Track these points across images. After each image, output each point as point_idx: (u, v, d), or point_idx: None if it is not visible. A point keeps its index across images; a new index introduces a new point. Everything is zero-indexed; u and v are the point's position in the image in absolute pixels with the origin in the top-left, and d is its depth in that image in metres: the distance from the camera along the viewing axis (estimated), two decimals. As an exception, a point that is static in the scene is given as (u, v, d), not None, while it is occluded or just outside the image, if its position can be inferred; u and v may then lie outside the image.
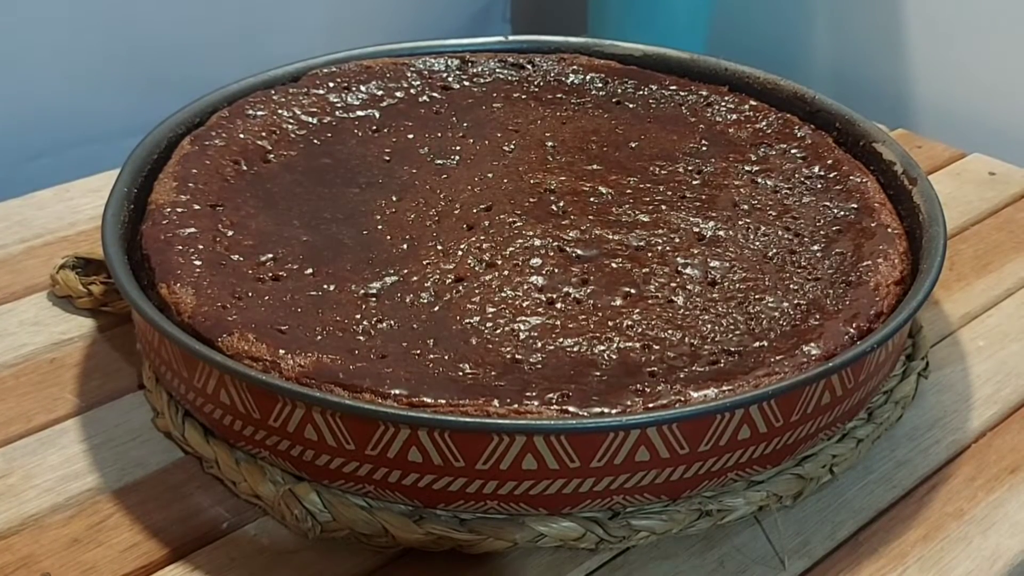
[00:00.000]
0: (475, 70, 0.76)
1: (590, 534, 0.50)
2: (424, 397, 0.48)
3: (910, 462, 0.57)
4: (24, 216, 0.74)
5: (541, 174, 0.66)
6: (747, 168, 0.67)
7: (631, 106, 0.73)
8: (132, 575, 0.50)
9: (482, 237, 0.60)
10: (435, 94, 0.73)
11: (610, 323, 0.54)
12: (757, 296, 0.56)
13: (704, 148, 0.69)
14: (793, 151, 0.68)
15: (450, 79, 0.75)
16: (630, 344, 0.53)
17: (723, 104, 0.73)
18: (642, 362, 0.52)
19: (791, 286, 0.57)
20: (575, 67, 0.76)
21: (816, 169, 0.66)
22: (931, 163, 0.84)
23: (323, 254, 0.58)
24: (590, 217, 0.62)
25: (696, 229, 0.61)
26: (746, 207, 0.63)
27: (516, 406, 0.48)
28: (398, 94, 0.73)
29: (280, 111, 0.69)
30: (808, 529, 0.53)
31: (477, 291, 0.56)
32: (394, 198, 0.63)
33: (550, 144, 0.69)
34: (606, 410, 0.48)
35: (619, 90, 0.75)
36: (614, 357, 0.52)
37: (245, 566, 0.50)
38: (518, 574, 0.50)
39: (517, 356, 0.52)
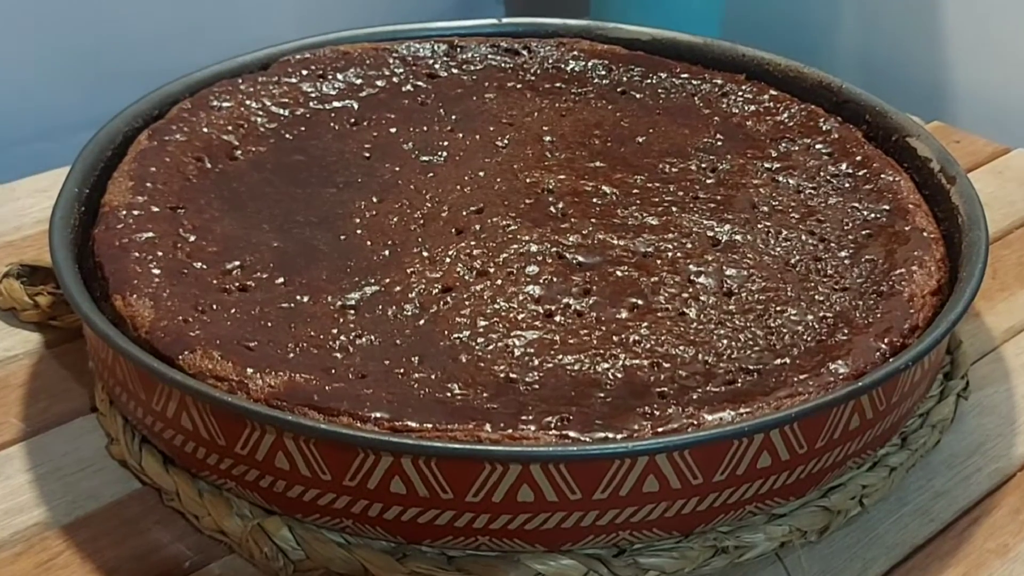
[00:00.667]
0: (465, 56, 0.76)
1: (593, 573, 0.50)
2: (408, 421, 0.48)
3: (949, 492, 0.56)
4: (-36, 219, 0.74)
5: (538, 172, 0.66)
6: (767, 165, 0.67)
7: (638, 96, 0.73)
8: (83, 620, 0.49)
9: (472, 242, 0.60)
10: (420, 83, 0.73)
11: (615, 338, 0.54)
12: (778, 308, 0.56)
13: (719, 143, 0.69)
14: (818, 146, 0.68)
15: (437, 66, 0.75)
16: (637, 362, 0.53)
17: (740, 94, 0.73)
18: (651, 382, 0.52)
19: (816, 297, 0.57)
20: (576, 53, 0.76)
21: (843, 166, 0.66)
22: (971, 160, 0.84)
23: (296, 262, 0.58)
24: (593, 220, 0.62)
25: (710, 233, 0.61)
26: (766, 209, 0.63)
27: (510, 431, 0.48)
28: (379, 83, 0.73)
29: (248, 102, 0.69)
30: (836, 567, 0.52)
31: (467, 303, 0.56)
32: (375, 199, 0.63)
33: (548, 139, 0.69)
34: (611, 435, 0.48)
35: (624, 78, 0.75)
36: (619, 376, 0.52)
37: (209, 610, 0.50)
38: (513, 618, 0.50)
39: (512, 375, 0.52)
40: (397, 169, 0.66)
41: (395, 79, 0.73)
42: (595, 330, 0.55)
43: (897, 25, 1.10)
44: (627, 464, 0.47)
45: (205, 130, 0.66)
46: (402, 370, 0.52)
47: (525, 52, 0.76)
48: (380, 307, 0.56)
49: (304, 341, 0.53)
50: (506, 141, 0.69)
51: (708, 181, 0.65)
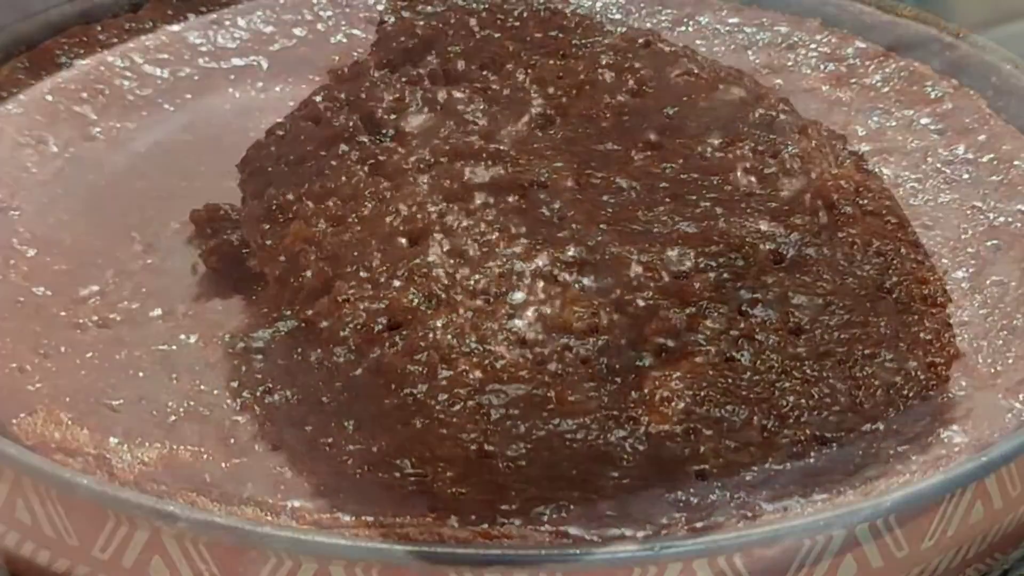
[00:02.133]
0: (420, -8, 0.76)
1: None
2: (339, 513, 0.48)
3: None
4: None
5: (524, 158, 0.66)
6: (851, 148, 0.67)
7: (668, 50, 0.74)
8: None
9: (431, 257, 0.60)
10: (356, 31, 0.74)
11: (634, 394, 0.54)
12: (867, 351, 0.56)
13: (783, 116, 0.69)
14: (924, 121, 0.69)
15: (380, 6, 0.75)
16: (666, 427, 0.53)
17: (813, 47, 0.74)
18: (686, 456, 0.52)
19: (921, 335, 0.57)
20: (579, -12, 0.77)
21: (961, 150, 0.67)
22: None
23: (178, 286, 0.58)
24: (603, 226, 0.62)
25: (770, 245, 0.61)
26: (849, 210, 0.64)
27: (485, 525, 0.48)
28: (297, 31, 0.73)
29: (110, 59, 0.69)
30: None
31: (423, 343, 0.56)
32: (290, 196, 0.63)
33: (538, 109, 0.69)
34: (628, 532, 0.48)
35: (649, 22, 0.75)
36: (641, 448, 0.52)
37: None
38: None
39: (487, 447, 0.52)
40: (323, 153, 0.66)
41: (320, 26, 0.74)
42: (606, 383, 0.55)
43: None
44: (652, 574, 0.47)
45: (49, 98, 0.67)
46: (330, 439, 0.52)
47: (506, -14, 0.77)
48: (299, 349, 0.56)
49: (190, 399, 0.53)
50: (479, 113, 0.69)
51: (767, 171, 0.66)
